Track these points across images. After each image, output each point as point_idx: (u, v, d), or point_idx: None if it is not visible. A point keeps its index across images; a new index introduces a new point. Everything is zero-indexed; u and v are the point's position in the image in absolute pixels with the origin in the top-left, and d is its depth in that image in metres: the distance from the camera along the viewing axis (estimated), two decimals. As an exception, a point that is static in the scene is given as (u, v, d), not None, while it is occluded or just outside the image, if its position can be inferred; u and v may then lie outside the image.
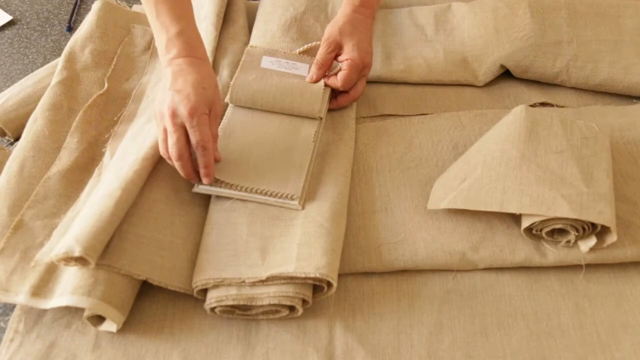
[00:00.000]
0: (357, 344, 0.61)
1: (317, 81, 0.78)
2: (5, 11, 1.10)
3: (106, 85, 0.84)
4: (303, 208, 0.67)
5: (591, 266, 0.65)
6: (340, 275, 0.63)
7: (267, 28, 0.89)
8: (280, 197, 0.67)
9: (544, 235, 0.64)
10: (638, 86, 0.82)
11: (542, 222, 0.62)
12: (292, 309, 0.61)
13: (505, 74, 0.87)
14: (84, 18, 0.94)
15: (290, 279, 0.60)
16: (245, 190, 0.68)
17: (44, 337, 0.62)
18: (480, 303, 0.63)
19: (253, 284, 0.60)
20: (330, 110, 0.80)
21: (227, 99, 0.77)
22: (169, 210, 0.66)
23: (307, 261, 0.60)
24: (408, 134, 0.78)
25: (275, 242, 0.64)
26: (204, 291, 0.62)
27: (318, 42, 0.82)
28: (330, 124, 0.79)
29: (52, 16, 1.10)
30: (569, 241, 0.64)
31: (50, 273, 0.63)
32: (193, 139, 0.65)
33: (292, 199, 0.67)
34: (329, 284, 0.60)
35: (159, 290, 0.63)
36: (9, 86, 0.91)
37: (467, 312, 0.63)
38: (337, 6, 0.92)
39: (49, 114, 0.79)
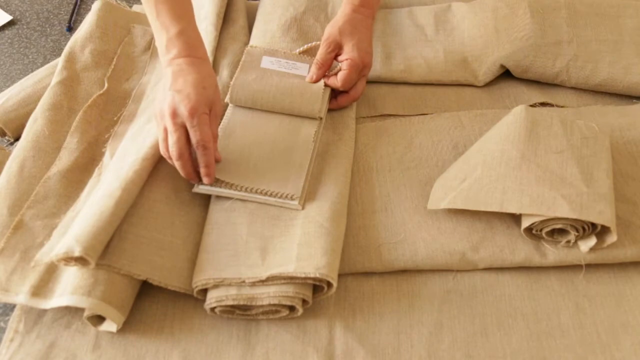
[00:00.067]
0: (357, 344, 0.61)
1: (317, 81, 0.78)
2: (5, 11, 1.10)
3: (106, 85, 0.84)
4: (303, 208, 0.67)
5: (591, 266, 0.65)
6: (340, 275, 0.63)
7: (267, 28, 0.89)
8: (280, 197, 0.67)
9: (544, 235, 0.64)
10: (638, 86, 0.82)
11: (542, 222, 0.62)
12: (292, 309, 0.61)
13: (505, 74, 0.87)
14: (84, 18, 0.94)
15: (290, 279, 0.60)
16: (245, 190, 0.68)
17: (44, 337, 0.62)
18: (480, 303, 0.63)
19: (253, 284, 0.60)
20: (330, 110, 0.80)
21: (227, 99, 0.77)
22: (169, 210, 0.66)
23: (307, 261, 0.60)
24: (408, 134, 0.78)
25: (275, 242, 0.64)
26: (204, 291, 0.62)
27: (318, 42, 0.82)
28: (330, 124, 0.79)
29: (52, 16, 1.10)
30: (569, 241, 0.64)
31: (50, 273, 0.63)
32: (193, 138, 0.65)
33: (292, 199, 0.67)
34: (329, 284, 0.60)
35: (159, 290, 0.63)
36: (9, 86, 0.91)
37: (467, 312, 0.63)
38: (337, 6, 0.92)
39: (49, 114, 0.78)
